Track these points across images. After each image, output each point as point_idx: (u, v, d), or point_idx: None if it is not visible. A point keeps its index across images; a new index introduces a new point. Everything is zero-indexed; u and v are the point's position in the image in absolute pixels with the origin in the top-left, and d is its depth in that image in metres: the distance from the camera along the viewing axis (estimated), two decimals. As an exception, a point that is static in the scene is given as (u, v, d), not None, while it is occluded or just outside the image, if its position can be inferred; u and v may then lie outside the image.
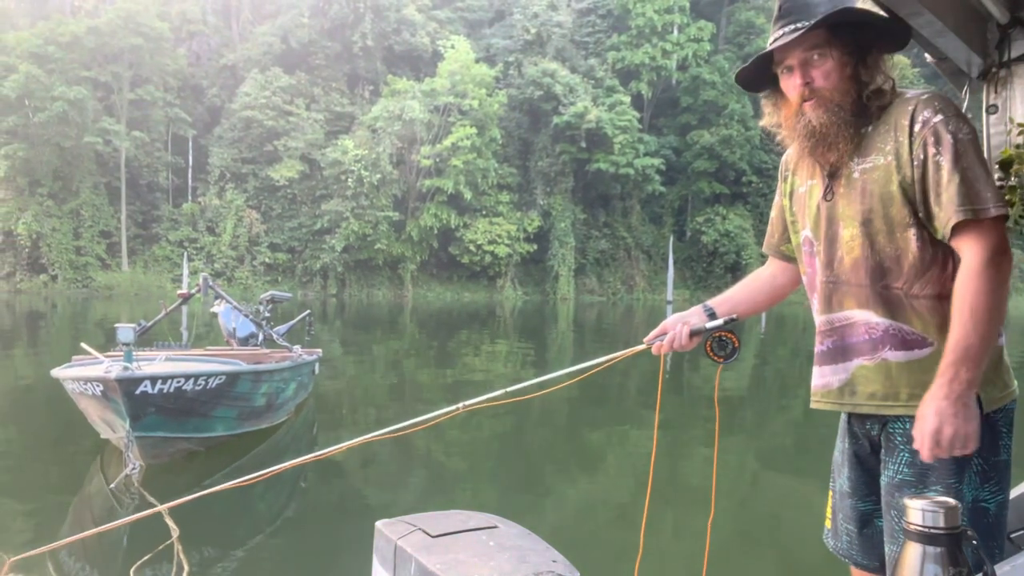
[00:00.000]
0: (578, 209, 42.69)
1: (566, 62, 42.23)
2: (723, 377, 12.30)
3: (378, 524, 1.76)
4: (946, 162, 1.38)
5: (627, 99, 41.58)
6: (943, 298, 1.43)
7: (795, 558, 4.51)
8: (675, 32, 43.13)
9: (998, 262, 1.36)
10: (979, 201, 1.36)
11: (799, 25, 1.47)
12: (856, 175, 1.50)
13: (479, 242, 39.54)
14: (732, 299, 1.84)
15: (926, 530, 1.21)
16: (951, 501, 1.29)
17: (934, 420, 1.35)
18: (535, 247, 41.09)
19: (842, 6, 1.46)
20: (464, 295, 40.26)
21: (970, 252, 1.37)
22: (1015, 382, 1.51)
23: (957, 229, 1.38)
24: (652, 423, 8.72)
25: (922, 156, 1.41)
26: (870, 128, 1.50)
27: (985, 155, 1.79)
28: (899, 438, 1.49)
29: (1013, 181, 1.57)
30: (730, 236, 42.03)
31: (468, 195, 38.39)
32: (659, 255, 44.10)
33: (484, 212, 40.30)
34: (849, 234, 1.52)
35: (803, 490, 5.82)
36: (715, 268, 42.65)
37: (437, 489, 5.66)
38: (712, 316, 1.75)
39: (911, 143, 1.42)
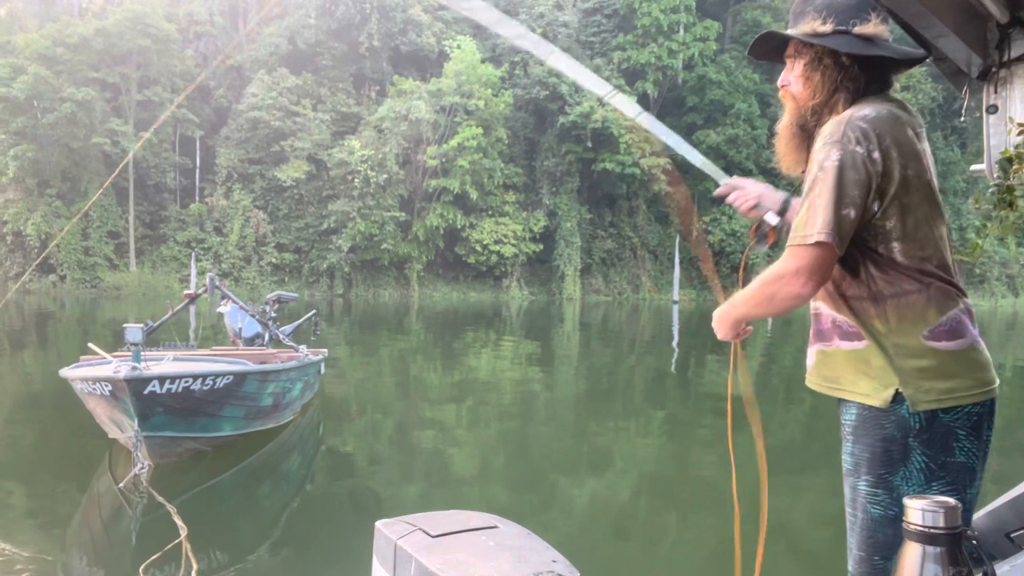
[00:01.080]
0: (584, 209, 42.67)
1: (572, 62, 42.17)
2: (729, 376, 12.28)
3: (378, 524, 1.77)
4: (804, 189, 1.52)
5: (633, 99, 41.29)
6: (867, 299, 1.54)
7: (808, 551, 4.50)
8: (681, 31, 43.05)
9: (792, 280, 1.49)
10: (807, 228, 1.47)
11: (787, 32, 1.64)
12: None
13: (485, 242, 39.56)
14: None
15: (926, 530, 1.22)
16: (951, 501, 1.30)
17: (715, 312, 1.70)
18: (541, 247, 41.08)
19: (792, 29, 1.62)
20: (470, 295, 40.30)
21: (783, 259, 1.52)
22: (986, 387, 1.51)
23: (787, 247, 1.54)
24: (658, 422, 8.73)
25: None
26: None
27: (984, 155, 1.80)
28: (847, 428, 1.59)
29: (1013, 181, 1.58)
30: (736, 236, 41.91)
31: (474, 195, 38.42)
32: (665, 255, 44.04)
33: (490, 212, 40.32)
34: None
35: (813, 486, 5.82)
36: (721, 268, 42.48)
37: (443, 488, 5.67)
38: (783, 211, 1.83)
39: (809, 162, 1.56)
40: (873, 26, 1.54)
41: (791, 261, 1.49)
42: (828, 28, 1.55)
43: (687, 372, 13.25)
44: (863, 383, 1.53)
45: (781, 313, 1.59)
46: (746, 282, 1.66)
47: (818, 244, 1.45)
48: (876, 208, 1.49)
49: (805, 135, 1.64)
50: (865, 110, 1.50)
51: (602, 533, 4.74)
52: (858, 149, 1.45)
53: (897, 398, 1.48)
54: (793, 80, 1.64)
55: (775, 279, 1.52)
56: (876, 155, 1.46)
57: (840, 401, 1.62)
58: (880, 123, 1.48)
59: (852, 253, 1.53)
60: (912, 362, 1.48)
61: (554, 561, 1.59)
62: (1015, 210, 1.55)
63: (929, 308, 1.50)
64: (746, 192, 1.89)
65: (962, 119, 1.91)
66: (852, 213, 1.45)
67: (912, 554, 1.25)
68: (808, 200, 1.48)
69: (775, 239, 1.80)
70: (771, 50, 1.72)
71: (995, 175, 1.70)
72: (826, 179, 1.46)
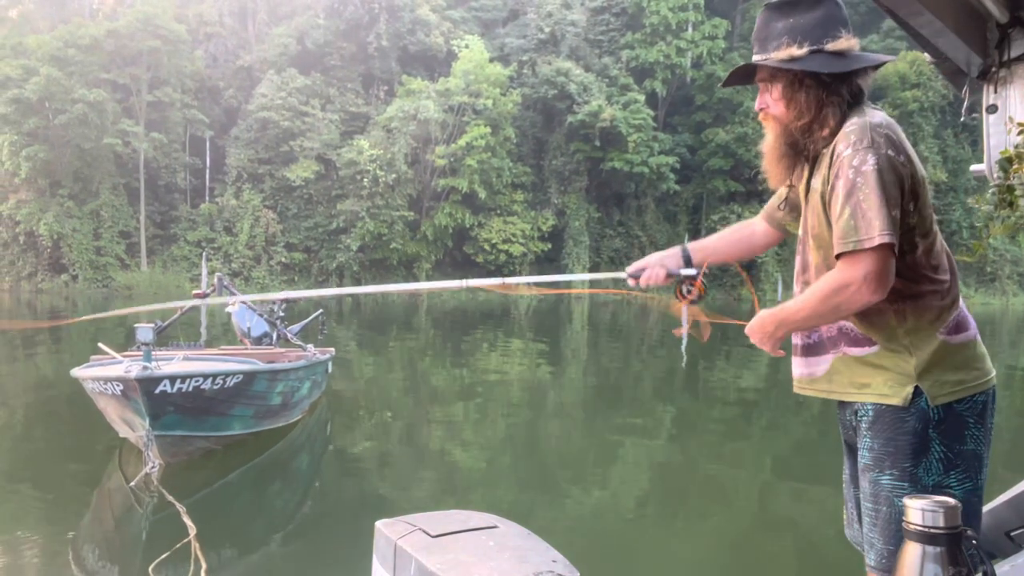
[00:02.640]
0: (592, 208, 42.61)
1: (580, 61, 42.16)
2: (739, 376, 12.26)
3: (378, 524, 1.77)
4: (841, 194, 1.49)
5: (641, 97, 41.42)
6: (884, 301, 1.52)
7: (810, 554, 4.50)
8: (689, 30, 42.91)
9: (859, 289, 1.47)
10: (861, 233, 1.46)
11: (755, 58, 1.65)
12: (812, 192, 1.64)
13: (493, 241, 39.58)
14: (709, 247, 2.02)
15: (926, 530, 1.22)
16: (951, 501, 1.30)
17: (756, 322, 1.67)
18: (549, 246, 41.06)
19: (760, 56, 1.62)
20: (479, 294, 40.27)
21: (836, 273, 1.51)
22: (988, 375, 1.59)
23: (840, 258, 1.51)
24: (666, 421, 8.73)
25: (830, 188, 1.54)
26: (823, 152, 1.61)
27: (984, 155, 1.80)
28: (864, 424, 1.60)
29: (1013, 181, 1.58)
30: (746, 234, 41.75)
31: (482, 194, 38.44)
32: (674, 254, 43.88)
33: (498, 211, 40.33)
34: (811, 244, 1.67)
35: (817, 489, 5.80)
36: (730, 266, 42.34)
37: (451, 488, 5.69)
38: (687, 261, 1.95)
39: (829, 173, 1.55)
40: (845, 41, 1.56)
41: (855, 269, 1.47)
42: (804, 51, 1.56)
43: (696, 371, 13.23)
44: (879, 384, 1.55)
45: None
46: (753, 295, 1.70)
47: (880, 247, 1.44)
48: (911, 209, 1.51)
49: (795, 152, 1.65)
50: (876, 117, 1.53)
51: (605, 533, 4.75)
52: (890, 152, 1.48)
53: (916, 393, 1.52)
54: (772, 103, 1.65)
55: (839, 289, 1.49)
56: (902, 158, 1.49)
57: (845, 403, 1.64)
58: (895, 128, 1.53)
59: None
60: (930, 358, 1.53)
61: (554, 561, 1.58)
62: (1016, 210, 1.55)
63: (944, 304, 1.55)
64: (651, 267, 1.94)
65: (962, 119, 1.92)
66: (897, 214, 1.47)
67: (912, 554, 1.25)
68: (851, 205, 1.47)
69: (703, 288, 1.89)
70: (743, 76, 1.72)
71: (995, 175, 1.70)
72: (868, 182, 1.46)
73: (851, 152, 1.49)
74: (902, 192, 1.48)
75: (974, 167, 1.87)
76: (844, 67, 1.56)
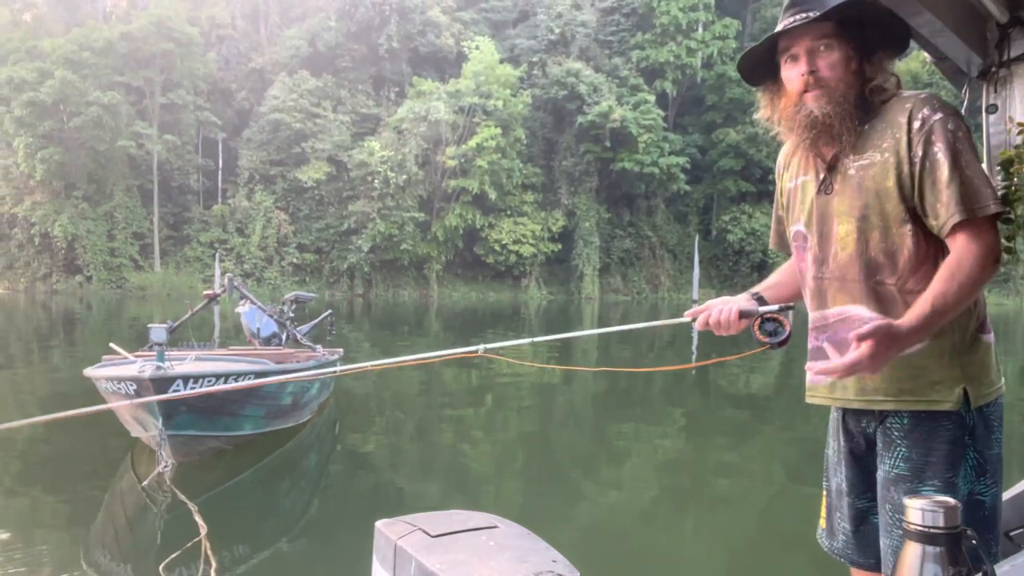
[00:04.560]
0: (602, 208, 42.57)
1: (590, 61, 42.14)
2: (749, 379, 12.22)
3: (378, 524, 1.76)
4: (945, 161, 1.39)
5: (652, 98, 41.36)
6: None
7: (821, 561, 4.48)
8: (700, 30, 42.80)
9: (990, 261, 1.39)
10: (977, 200, 1.38)
11: (810, 14, 1.47)
12: (852, 171, 1.51)
13: (504, 242, 39.63)
14: (778, 285, 1.80)
15: (926, 530, 1.23)
16: (951, 500, 1.30)
17: (884, 337, 1.33)
18: (560, 247, 41.06)
19: (813, 10, 1.47)
20: (489, 295, 40.36)
21: (965, 247, 1.38)
22: (1002, 378, 1.55)
23: (956, 228, 1.39)
24: (675, 423, 8.72)
25: (920, 153, 1.42)
26: (867, 126, 1.50)
27: (984, 155, 1.80)
28: (896, 433, 1.49)
29: (1013, 181, 1.58)
30: (756, 235, 41.59)
31: (493, 195, 38.49)
32: (684, 254, 43.79)
33: (509, 212, 40.38)
34: (844, 230, 1.52)
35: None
36: (741, 267, 42.26)
37: (459, 488, 5.71)
38: (761, 302, 1.71)
39: (909, 140, 1.43)
40: None
41: (980, 242, 1.37)
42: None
43: (707, 373, 13.19)
44: (924, 388, 1.45)
45: None
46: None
47: (995, 216, 1.38)
48: None
49: (863, 116, 1.50)
50: (919, 90, 1.49)
51: (609, 534, 4.74)
52: (964, 124, 1.45)
53: (964, 396, 1.44)
54: (827, 67, 1.49)
55: (977, 267, 1.37)
56: None
57: (885, 413, 1.51)
58: None
59: (925, 242, 1.46)
60: (972, 357, 1.47)
61: (554, 561, 1.56)
62: (1016, 210, 1.55)
63: (981, 297, 1.49)
64: (716, 306, 1.69)
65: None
66: None
67: (912, 554, 1.25)
68: (958, 173, 1.38)
69: (788, 327, 1.62)
70: (762, 69, 1.62)
71: (995, 175, 1.70)
72: (968, 148, 1.40)
73: (943, 116, 1.41)
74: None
75: (974, 167, 1.87)
76: (913, 39, 1.52)
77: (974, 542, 1.28)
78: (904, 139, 1.44)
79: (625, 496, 5.70)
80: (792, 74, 1.54)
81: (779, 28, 1.53)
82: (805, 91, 1.51)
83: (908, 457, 1.47)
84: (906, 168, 1.44)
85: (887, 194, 1.46)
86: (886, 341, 1.33)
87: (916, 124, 1.43)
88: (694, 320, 1.74)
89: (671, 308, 33.86)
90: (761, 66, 1.64)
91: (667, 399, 10.46)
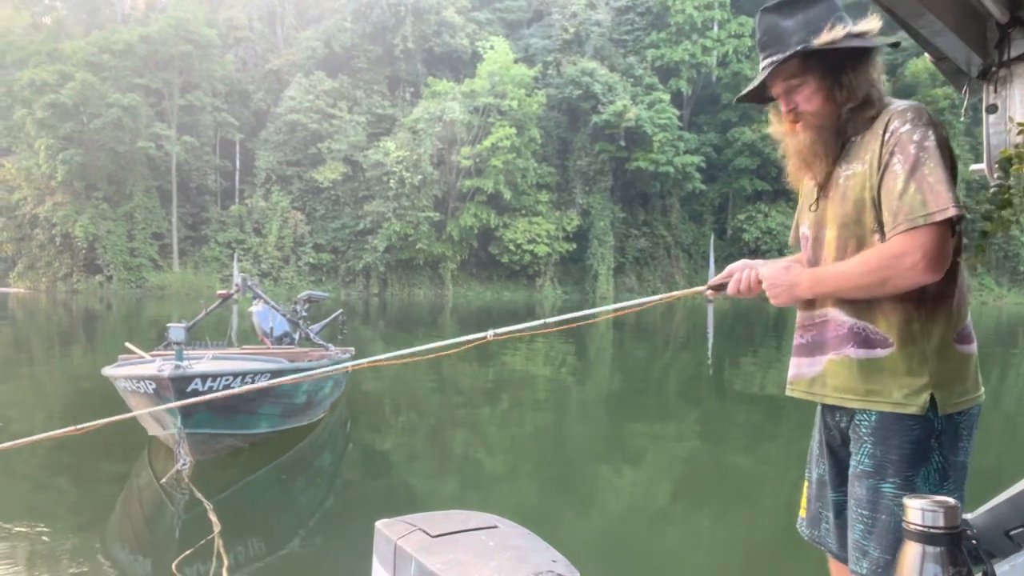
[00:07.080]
0: (617, 208, 42.48)
1: (605, 61, 42.05)
2: (764, 380, 12.16)
3: (378, 524, 1.76)
4: (901, 172, 1.44)
5: (667, 97, 41.20)
6: (906, 300, 1.49)
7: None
8: (715, 28, 42.58)
9: (913, 263, 1.41)
10: (924, 208, 1.41)
11: (774, 58, 1.57)
12: (841, 181, 1.57)
13: (519, 241, 39.65)
14: (799, 263, 1.80)
15: (926, 530, 1.23)
16: (951, 500, 1.31)
17: (783, 272, 1.60)
18: (574, 246, 41.02)
19: (803, 44, 1.53)
20: (504, 294, 40.40)
21: (897, 241, 1.43)
22: (981, 389, 1.57)
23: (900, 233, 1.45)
24: (691, 423, 8.71)
25: (885, 163, 1.47)
26: (858, 137, 1.56)
27: (984, 155, 1.80)
28: (864, 429, 1.55)
29: (1012, 180, 1.58)
30: (772, 234, 41.32)
31: (507, 195, 38.52)
32: (699, 253, 43.59)
33: (523, 212, 40.40)
34: (831, 236, 1.59)
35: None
36: (756, 266, 41.95)
37: (471, 488, 5.74)
38: None
39: (880, 151, 1.49)
40: (866, 23, 1.53)
41: (914, 241, 1.40)
42: (841, 33, 1.52)
43: (722, 371, 13.14)
44: (891, 391, 1.50)
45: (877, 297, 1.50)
46: None
47: (943, 222, 1.39)
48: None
49: (836, 144, 1.57)
50: (909, 100, 1.52)
51: (612, 535, 4.75)
52: (943, 133, 1.46)
53: (930, 402, 1.47)
54: (806, 100, 1.57)
55: (894, 259, 1.42)
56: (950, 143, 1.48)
57: (853, 410, 1.57)
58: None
59: None
60: (945, 366, 1.49)
61: (554, 561, 1.57)
62: (1015, 209, 1.55)
63: (960, 309, 1.52)
64: (737, 273, 1.74)
65: (962, 119, 1.91)
66: (955, 191, 1.43)
67: (912, 554, 1.25)
68: (915, 180, 1.41)
69: None
70: (755, 94, 1.69)
71: (995, 175, 1.71)
72: (932, 156, 1.42)
73: (910, 127, 1.45)
74: (955, 173, 1.45)
75: (973, 167, 1.86)
76: (883, 42, 1.52)
77: (974, 542, 1.28)
78: (878, 150, 1.49)
79: (634, 497, 5.70)
80: (781, 109, 1.65)
81: (760, 71, 1.63)
82: (793, 122, 1.62)
83: (872, 454, 1.53)
84: (875, 179, 1.49)
85: (863, 204, 1.52)
86: (784, 274, 1.58)
87: (887, 136, 1.48)
88: (714, 292, 1.82)
89: (687, 307, 33.72)
90: (762, 89, 1.70)
91: (683, 399, 10.44)
